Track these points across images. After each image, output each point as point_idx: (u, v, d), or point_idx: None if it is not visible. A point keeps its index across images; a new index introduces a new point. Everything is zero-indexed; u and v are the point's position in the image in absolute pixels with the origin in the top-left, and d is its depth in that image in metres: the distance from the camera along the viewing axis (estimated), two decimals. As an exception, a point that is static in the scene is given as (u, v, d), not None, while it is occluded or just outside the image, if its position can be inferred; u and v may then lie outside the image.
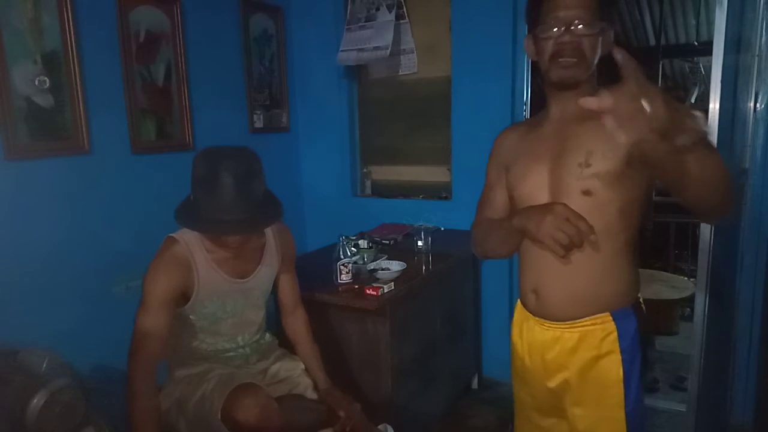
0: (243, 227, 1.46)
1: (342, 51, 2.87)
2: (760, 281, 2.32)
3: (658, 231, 5.15)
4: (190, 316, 1.57)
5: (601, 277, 1.18)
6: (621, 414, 1.19)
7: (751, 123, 2.26)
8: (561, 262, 1.17)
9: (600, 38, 1.13)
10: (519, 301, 1.35)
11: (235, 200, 1.38)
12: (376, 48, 2.77)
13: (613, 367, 1.19)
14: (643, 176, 1.14)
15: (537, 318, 1.27)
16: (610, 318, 1.19)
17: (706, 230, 1.78)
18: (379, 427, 1.68)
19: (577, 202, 1.11)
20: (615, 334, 1.18)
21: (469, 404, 1.65)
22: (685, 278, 3.78)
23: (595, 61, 1.15)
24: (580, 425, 1.24)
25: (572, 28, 1.11)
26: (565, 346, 1.22)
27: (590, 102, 0.83)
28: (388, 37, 2.75)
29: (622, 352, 1.18)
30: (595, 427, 1.22)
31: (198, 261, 1.51)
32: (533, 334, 1.28)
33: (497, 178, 1.32)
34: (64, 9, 1.94)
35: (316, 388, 1.71)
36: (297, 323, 1.80)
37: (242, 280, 1.60)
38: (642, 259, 5.40)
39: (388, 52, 2.74)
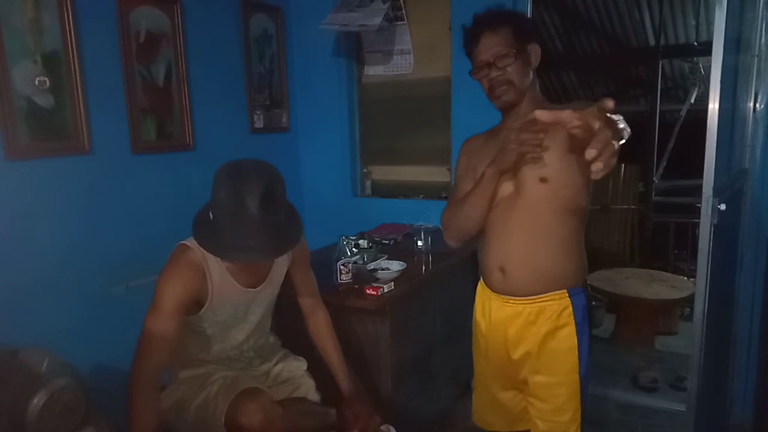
0: (268, 254, 1.42)
1: (325, 24, 2.79)
2: (760, 281, 2.32)
3: (658, 231, 5.16)
4: (202, 325, 1.56)
5: (558, 255, 1.37)
6: (576, 377, 1.39)
7: (750, 123, 2.26)
8: (522, 241, 1.37)
9: (523, 58, 1.36)
10: (481, 281, 1.53)
11: (259, 227, 1.33)
12: (361, 26, 2.71)
13: (568, 337, 1.38)
14: (585, 163, 1.29)
15: (500, 295, 1.44)
16: (566, 294, 1.38)
17: (705, 230, 1.78)
18: (381, 427, 1.67)
19: (535, 188, 1.34)
20: (570, 309, 1.38)
21: (469, 404, 1.66)
22: (685, 278, 3.79)
23: (527, 79, 1.38)
24: (541, 392, 1.42)
25: (494, 63, 1.35)
26: (526, 320, 1.40)
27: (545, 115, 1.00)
28: (377, 19, 2.68)
29: (576, 324, 1.38)
30: (554, 391, 1.41)
31: (212, 269, 1.49)
32: (496, 312, 1.46)
33: (465, 173, 1.50)
34: (64, 9, 1.94)
35: (338, 393, 1.69)
36: (318, 326, 1.77)
37: (254, 290, 1.59)
38: (642, 259, 5.38)
39: (375, 28, 2.68)
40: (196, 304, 1.50)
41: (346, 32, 2.83)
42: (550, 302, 1.38)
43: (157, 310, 1.41)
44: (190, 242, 1.48)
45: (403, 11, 2.79)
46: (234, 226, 1.34)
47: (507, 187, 1.39)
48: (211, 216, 1.39)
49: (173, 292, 1.42)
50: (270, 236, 1.36)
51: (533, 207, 1.35)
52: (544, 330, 1.39)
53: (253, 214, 1.32)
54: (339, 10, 2.80)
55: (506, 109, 1.43)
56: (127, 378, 1.40)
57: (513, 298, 1.42)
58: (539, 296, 1.38)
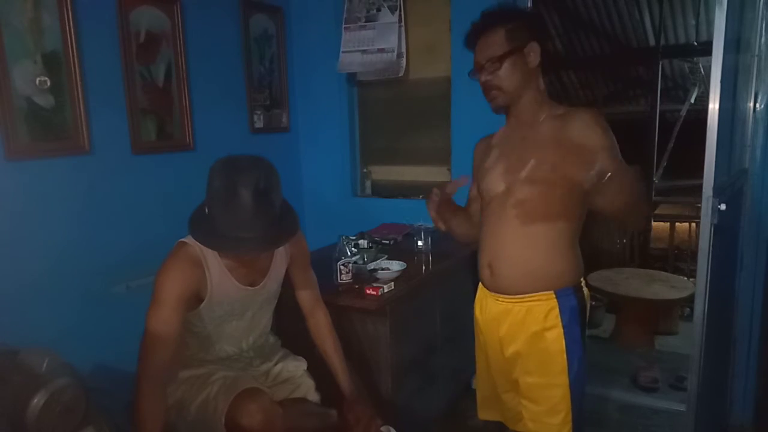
0: (263, 245, 1.42)
1: (343, 53, 2.85)
2: (760, 281, 2.32)
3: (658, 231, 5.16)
4: (198, 323, 1.56)
5: (546, 255, 1.37)
6: (565, 380, 1.39)
7: (750, 123, 2.26)
8: (510, 239, 1.39)
9: (515, 60, 1.33)
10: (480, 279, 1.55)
11: (254, 218, 1.34)
12: (380, 50, 2.75)
13: (557, 339, 1.38)
14: (579, 168, 1.30)
15: (492, 293, 1.46)
16: (553, 295, 1.38)
17: (705, 230, 1.78)
18: (381, 428, 1.67)
19: (525, 189, 1.36)
20: (557, 310, 1.37)
21: (469, 404, 1.66)
22: (685, 278, 3.79)
23: (522, 80, 1.35)
24: (532, 393, 1.43)
25: (484, 67, 1.35)
26: (515, 319, 1.42)
27: None
28: (393, 39, 2.74)
29: (563, 326, 1.37)
30: (544, 392, 1.41)
31: (211, 265, 1.49)
32: (490, 309, 1.48)
33: (474, 176, 1.57)
34: (64, 9, 1.94)
35: (340, 394, 1.69)
36: (319, 326, 1.76)
37: (252, 288, 1.59)
38: (642, 259, 5.39)
39: (395, 55, 2.73)
40: (195, 299, 1.50)
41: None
42: (537, 302, 1.39)
43: (157, 304, 1.41)
44: (189, 240, 1.48)
45: (401, 13, 2.76)
46: (229, 218, 1.35)
47: (499, 186, 1.42)
48: (207, 210, 1.40)
49: (172, 286, 1.42)
50: (265, 228, 1.36)
51: (522, 207, 1.37)
52: (532, 330, 1.40)
53: (248, 205, 1.33)
54: (350, 28, 2.82)
55: (499, 112, 1.45)
56: (129, 377, 1.40)
57: (502, 295, 1.44)
58: (526, 295, 1.39)
